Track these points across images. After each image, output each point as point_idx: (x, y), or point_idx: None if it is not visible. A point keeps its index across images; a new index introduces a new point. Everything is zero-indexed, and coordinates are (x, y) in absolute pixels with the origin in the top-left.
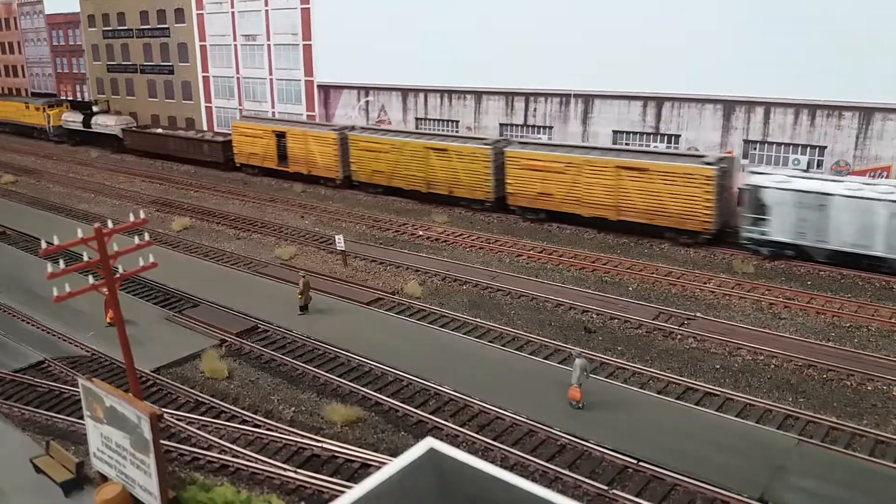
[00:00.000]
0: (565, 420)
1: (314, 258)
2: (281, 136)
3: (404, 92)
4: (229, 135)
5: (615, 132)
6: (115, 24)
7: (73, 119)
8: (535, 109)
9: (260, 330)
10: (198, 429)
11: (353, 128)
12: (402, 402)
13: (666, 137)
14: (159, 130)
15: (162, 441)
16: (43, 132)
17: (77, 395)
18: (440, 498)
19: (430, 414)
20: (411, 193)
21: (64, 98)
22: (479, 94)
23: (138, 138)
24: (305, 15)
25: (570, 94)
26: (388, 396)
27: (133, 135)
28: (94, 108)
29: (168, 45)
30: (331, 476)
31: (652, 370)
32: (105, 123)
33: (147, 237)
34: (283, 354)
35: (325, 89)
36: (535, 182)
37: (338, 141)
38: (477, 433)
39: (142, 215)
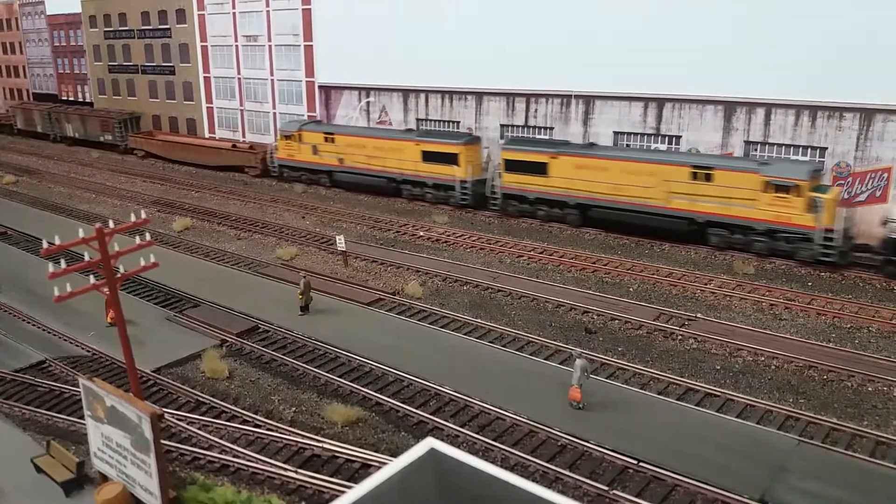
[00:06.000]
0: (566, 420)
1: (315, 258)
2: None
3: (405, 93)
4: None
5: (616, 133)
6: (117, 24)
7: None
8: (535, 110)
9: (260, 330)
10: (198, 429)
11: None
12: (403, 403)
13: (667, 138)
14: None
15: (162, 441)
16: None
17: (78, 395)
18: (440, 498)
19: (430, 414)
20: None
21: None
22: (479, 95)
23: None
24: (307, 16)
25: (570, 95)
26: (388, 397)
27: None
28: None
29: (169, 46)
30: (331, 476)
31: (652, 371)
32: None
33: (148, 237)
34: (283, 355)
35: (326, 90)
36: None
37: None
38: (477, 433)
39: (143, 215)
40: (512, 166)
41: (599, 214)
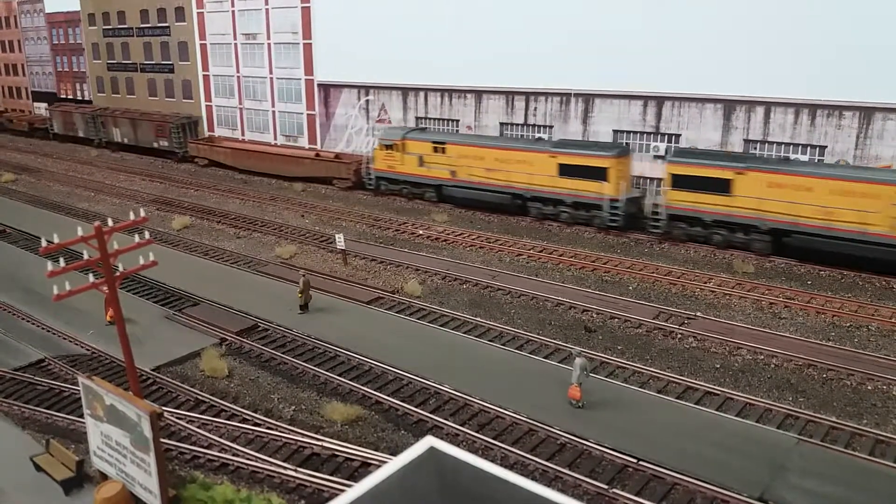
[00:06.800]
0: (565, 419)
1: (314, 257)
2: None
3: (404, 91)
4: None
5: (615, 131)
6: (116, 22)
7: None
8: (535, 108)
9: (260, 329)
10: (198, 427)
11: None
12: (402, 401)
13: (666, 137)
14: None
15: (162, 439)
16: None
17: (77, 394)
18: (440, 497)
19: (430, 413)
20: None
21: None
22: (479, 94)
23: None
24: (306, 13)
25: (570, 94)
26: (388, 395)
27: None
28: None
29: (168, 44)
30: (330, 475)
31: (652, 369)
32: None
33: (147, 236)
34: (283, 353)
35: (326, 88)
36: None
37: None
38: (477, 432)
39: (142, 214)
40: (681, 182)
41: (801, 242)
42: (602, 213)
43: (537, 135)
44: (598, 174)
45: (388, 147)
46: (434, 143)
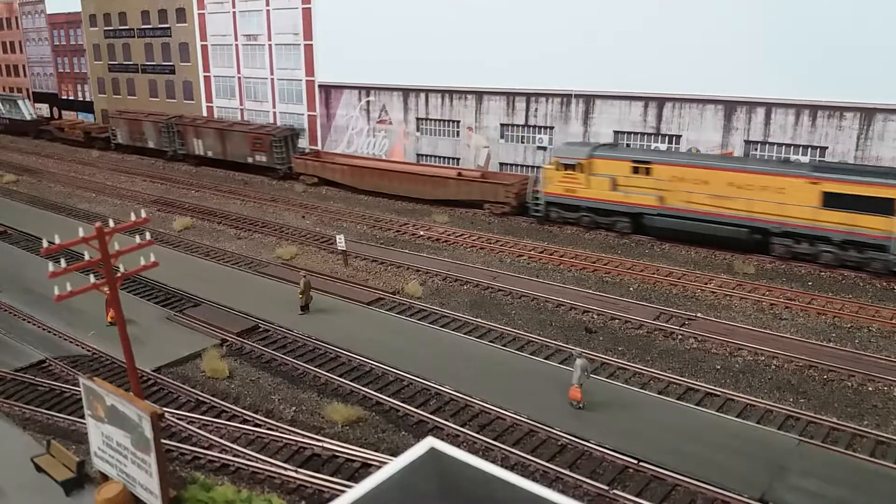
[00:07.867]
0: (566, 420)
1: (315, 258)
2: None
3: (405, 92)
4: None
5: (616, 132)
6: (117, 23)
7: None
8: (536, 109)
9: (261, 329)
10: (198, 428)
11: None
12: (403, 402)
13: (667, 138)
14: None
15: (163, 440)
16: None
17: (78, 395)
18: (441, 498)
19: (430, 414)
20: None
21: None
22: (479, 94)
23: None
24: (307, 15)
25: (571, 95)
26: (388, 396)
27: None
28: None
29: (169, 45)
30: (331, 475)
31: (653, 370)
32: None
33: (148, 236)
34: (283, 354)
35: (326, 89)
36: None
37: None
38: (478, 433)
39: (143, 215)
40: None
41: None
42: (888, 256)
43: (790, 156)
44: (884, 207)
45: (569, 167)
46: (634, 161)
